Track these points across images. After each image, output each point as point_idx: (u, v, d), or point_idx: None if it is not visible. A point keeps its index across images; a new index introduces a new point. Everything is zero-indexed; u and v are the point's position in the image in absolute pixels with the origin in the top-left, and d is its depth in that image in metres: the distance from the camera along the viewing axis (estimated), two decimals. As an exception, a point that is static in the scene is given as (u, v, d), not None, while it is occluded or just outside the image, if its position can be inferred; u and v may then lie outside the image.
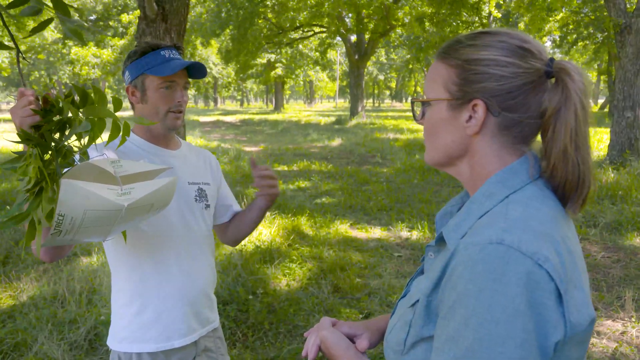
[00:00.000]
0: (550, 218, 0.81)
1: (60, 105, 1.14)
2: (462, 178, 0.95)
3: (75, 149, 1.18)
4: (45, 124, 1.14)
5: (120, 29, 30.70)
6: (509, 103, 0.85)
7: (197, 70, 1.69)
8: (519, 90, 0.84)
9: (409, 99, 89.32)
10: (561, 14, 19.81)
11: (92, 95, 1.12)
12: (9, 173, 9.65)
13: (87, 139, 1.15)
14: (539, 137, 0.89)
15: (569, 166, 0.83)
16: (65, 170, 1.13)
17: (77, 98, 1.13)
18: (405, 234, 6.09)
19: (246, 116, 35.82)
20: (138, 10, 5.74)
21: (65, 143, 1.14)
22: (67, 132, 1.14)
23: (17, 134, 1.11)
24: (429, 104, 0.94)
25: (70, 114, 1.11)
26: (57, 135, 1.15)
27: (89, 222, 1.07)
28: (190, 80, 1.73)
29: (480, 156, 0.89)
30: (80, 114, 1.11)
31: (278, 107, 45.22)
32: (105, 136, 1.28)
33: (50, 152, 1.12)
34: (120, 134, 1.19)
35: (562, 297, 0.74)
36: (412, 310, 0.87)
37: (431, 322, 0.83)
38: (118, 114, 1.15)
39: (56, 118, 1.15)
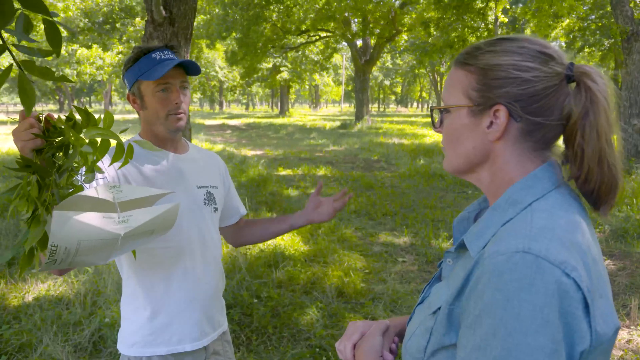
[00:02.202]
0: (575, 227, 0.80)
1: (62, 127, 1.11)
2: (483, 185, 0.94)
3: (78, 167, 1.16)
4: (47, 146, 1.11)
5: (125, 38, 30.81)
6: (531, 107, 0.84)
7: (192, 67, 1.67)
8: (541, 94, 0.84)
9: (415, 104, 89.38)
10: (567, 20, 19.78)
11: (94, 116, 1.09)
12: (11, 174, 9.70)
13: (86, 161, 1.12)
14: (558, 143, 0.89)
15: (605, 169, 0.83)
16: (69, 190, 1.11)
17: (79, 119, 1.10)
18: (409, 239, 6.08)
19: (251, 120, 35.90)
20: (138, 19, 5.77)
21: (67, 165, 1.11)
22: (69, 154, 1.11)
23: (17, 161, 1.08)
24: (448, 112, 0.93)
25: (72, 136, 1.08)
26: (60, 155, 1.13)
27: (85, 250, 1.06)
28: (190, 78, 1.70)
29: (501, 162, 0.89)
30: (83, 136, 1.08)
31: (283, 111, 45.31)
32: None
33: (51, 177, 1.09)
34: (124, 155, 1.16)
35: (589, 306, 0.73)
36: (434, 317, 0.86)
37: (453, 331, 0.82)
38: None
39: (58, 140, 1.12)
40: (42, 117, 1.14)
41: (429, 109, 1.00)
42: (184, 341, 1.67)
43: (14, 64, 1.02)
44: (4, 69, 1.03)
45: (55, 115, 1.16)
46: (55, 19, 1.03)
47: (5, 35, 1.05)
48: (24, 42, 1.06)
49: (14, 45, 1.05)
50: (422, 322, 0.90)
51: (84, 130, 1.08)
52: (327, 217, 1.86)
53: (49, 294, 4.19)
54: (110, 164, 1.13)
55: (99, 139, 1.09)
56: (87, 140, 1.08)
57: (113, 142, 1.14)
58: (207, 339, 1.73)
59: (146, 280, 1.65)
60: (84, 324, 3.63)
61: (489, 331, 0.72)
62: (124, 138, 1.41)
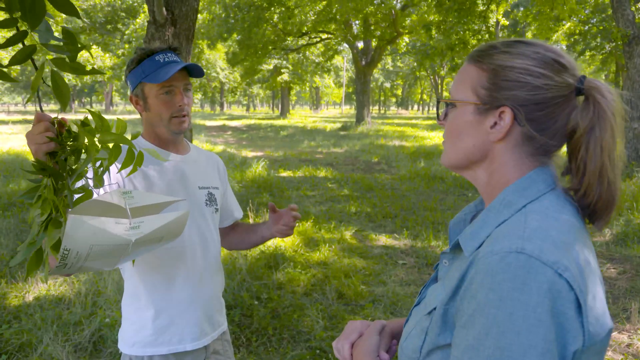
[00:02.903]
0: (568, 228, 0.81)
1: (75, 130, 1.11)
2: (479, 184, 0.94)
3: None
4: (61, 150, 1.12)
5: (126, 37, 30.89)
6: (536, 114, 0.85)
7: (195, 70, 1.68)
8: (548, 103, 0.84)
9: (416, 106, 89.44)
10: (569, 24, 19.78)
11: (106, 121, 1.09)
12: (16, 174, 9.70)
13: (100, 165, 1.13)
14: (561, 152, 0.90)
15: (604, 185, 0.84)
16: (77, 196, 1.12)
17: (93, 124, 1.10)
18: (410, 241, 6.08)
19: (252, 121, 35.91)
20: (139, 20, 5.78)
21: (80, 170, 1.11)
22: (82, 158, 1.11)
23: (32, 164, 1.09)
24: (453, 106, 0.94)
25: (86, 141, 1.08)
26: (72, 159, 1.13)
27: (95, 255, 1.06)
28: (191, 79, 1.72)
29: (499, 163, 0.89)
30: (96, 141, 1.08)
31: (284, 113, 45.31)
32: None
33: (64, 180, 1.10)
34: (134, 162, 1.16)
35: (581, 307, 0.74)
36: (429, 318, 0.87)
37: (447, 330, 0.83)
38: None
39: (71, 143, 1.12)
40: (55, 121, 1.15)
41: (436, 101, 1.01)
42: (185, 340, 1.69)
43: (46, 63, 1.02)
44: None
45: (61, 117, 1.16)
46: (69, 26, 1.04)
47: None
48: (52, 42, 1.06)
49: (43, 44, 1.05)
50: (418, 322, 0.91)
51: (97, 135, 1.08)
52: (286, 234, 1.83)
53: (49, 294, 4.19)
54: (120, 170, 1.14)
55: (111, 145, 1.10)
56: (100, 146, 1.08)
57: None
58: (207, 338, 1.75)
59: (148, 281, 1.66)
60: (84, 324, 3.63)
61: (483, 330, 0.73)
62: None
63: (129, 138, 1.12)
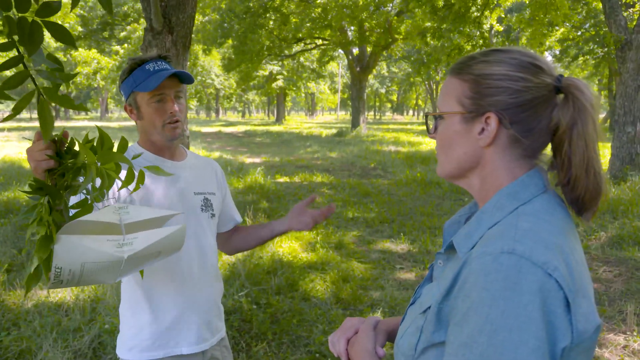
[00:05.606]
0: (559, 230, 0.85)
1: (76, 148, 1.12)
2: (473, 190, 0.98)
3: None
4: (61, 168, 1.13)
5: (121, 40, 31.06)
6: (520, 116, 0.88)
7: (185, 76, 1.70)
8: (530, 104, 0.88)
9: (411, 111, 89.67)
10: (562, 29, 19.93)
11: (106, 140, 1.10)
12: (12, 181, 9.69)
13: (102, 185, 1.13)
14: (546, 150, 0.93)
15: (591, 177, 0.87)
16: (73, 212, 1.12)
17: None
18: (407, 246, 6.11)
19: (248, 127, 35.92)
20: (130, 26, 5.78)
21: (82, 188, 1.12)
22: (80, 176, 1.12)
23: (29, 183, 1.10)
24: (442, 118, 0.97)
25: (86, 159, 1.08)
26: (70, 175, 1.13)
27: (89, 272, 1.07)
28: (186, 86, 1.74)
29: (491, 168, 0.93)
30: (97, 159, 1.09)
31: (280, 119, 45.37)
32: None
33: (61, 198, 1.10)
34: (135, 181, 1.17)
35: (570, 305, 0.77)
36: (424, 316, 0.90)
37: (442, 329, 0.85)
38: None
39: (71, 161, 1.13)
40: (56, 139, 1.15)
41: (424, 116, 1.04)
42: (181, 344, 1.70)
43: (37, 91, 1.03)
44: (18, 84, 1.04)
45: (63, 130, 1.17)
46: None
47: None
48: (45, 67, 1.07)
49: (37, 71, 1.07)
50: (414, 321, 0.93)
51: (97, 154, 1.09)
52: (305, 227, 1.88)
53: (48, 301, 4.19)
54: (120, 189, 1.15)
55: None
56: (98, 164, 1.09)
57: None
58: (205, 344, 1.76)
59: (145, 286, 1.68)
60: (83, 331, 3.64)
61: (476, 328, 0.76)
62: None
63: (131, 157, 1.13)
